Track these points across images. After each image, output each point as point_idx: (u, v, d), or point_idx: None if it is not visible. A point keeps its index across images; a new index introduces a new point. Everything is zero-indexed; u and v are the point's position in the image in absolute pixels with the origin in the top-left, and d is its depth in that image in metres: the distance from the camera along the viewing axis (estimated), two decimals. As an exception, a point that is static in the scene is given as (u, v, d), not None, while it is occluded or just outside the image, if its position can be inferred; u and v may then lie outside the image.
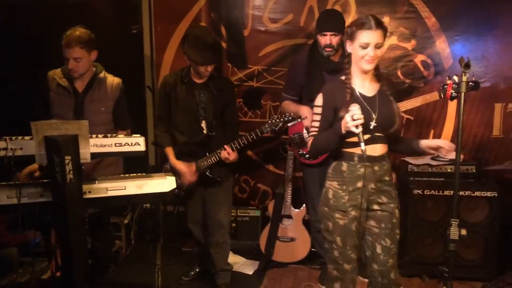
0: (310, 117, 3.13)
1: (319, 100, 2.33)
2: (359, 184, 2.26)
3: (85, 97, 2.83)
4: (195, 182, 3.07)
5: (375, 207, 2.31)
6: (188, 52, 2.85)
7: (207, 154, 3.03)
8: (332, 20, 3.06)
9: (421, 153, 2.45)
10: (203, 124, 3.02)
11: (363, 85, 2.31)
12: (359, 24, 2.20)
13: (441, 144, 2.32)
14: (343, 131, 2.15)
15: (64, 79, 2.82)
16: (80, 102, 2.82)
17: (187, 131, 3.06)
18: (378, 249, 2.31)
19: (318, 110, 2.33)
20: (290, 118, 2.86)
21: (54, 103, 2.82)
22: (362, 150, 2.10)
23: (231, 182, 3.27)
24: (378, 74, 2.36)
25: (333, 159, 2.37)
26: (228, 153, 2.92)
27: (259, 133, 2.89)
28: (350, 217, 2.27)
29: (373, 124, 2.24)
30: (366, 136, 2.19)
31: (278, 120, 2.86)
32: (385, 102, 2.31)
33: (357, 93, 2.28)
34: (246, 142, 2.92)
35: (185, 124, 3.05)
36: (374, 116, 2.25)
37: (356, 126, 2.09)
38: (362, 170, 2.24)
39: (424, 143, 2.38)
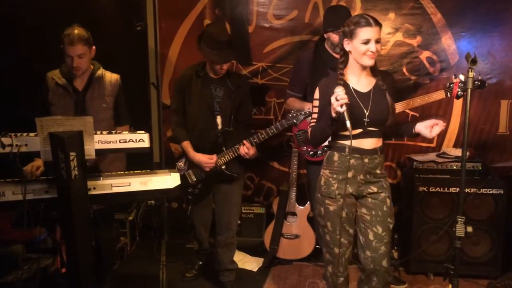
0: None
1: (316, 93, 2.46)
2: (349, 175, 2.39)
3: (86, 95, 2.84)
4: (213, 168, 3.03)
5: (366, 196, 2.43)
6: (203, 50, 2.88)
7: (224, 149, 3.01)
8: (345, 16, 3.04)
9: (416, 136, 2.48)
10: (218, 120, 3.01)
11: (359, 81, 2.41)
12: (357, 22, 2.29)
13: (435, 121, 2.37)
14: (333, 114, 2.23)
15: (63, 79, 2.83)
16: (81, 101, 2.83)
17: (201, 126, 3.04)
18: (370, 236, 2.43)
19: (316, 103, 2.46)
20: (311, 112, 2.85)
21: (54, 104, 2.82)
22: (347, 128, 2.18)
23: (242, 183, 3.26)
24: (375, 69, 2.42)
25: (327, 149, 2.50)
26: (247, 148, 2.91)
27: (280, 127, 2.88)
28: (339, 204, 2.39)
29: (366, 119, 2.34)
30: (358, 131, 2.35)
31: (299, 114, 2.84)
32: (379, 97, 2.39)
33: (351, 89, 2.37)
34: (266, 136, 2.91)
35: (199, 119, 3.04)
36: (366, 112, 2.34)
37: (341, 106, 2.18)
38: (352, 161, 2.37)
39: (419, 125, 2.41)
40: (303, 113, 2.86)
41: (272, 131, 2.89)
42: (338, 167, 2.40)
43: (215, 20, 3.89)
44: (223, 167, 3.03)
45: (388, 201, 2.44)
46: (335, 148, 2.43)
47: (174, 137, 3.19)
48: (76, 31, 2.72)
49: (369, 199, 2.43)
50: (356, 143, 2.36)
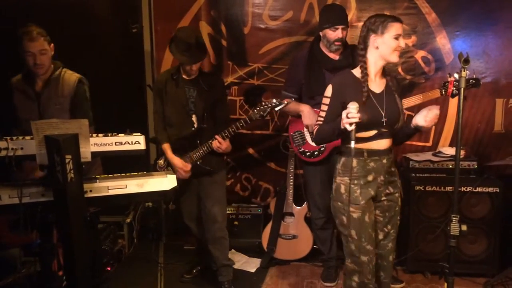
0: (309, 114, 3.13)
1: (328, 91, 2.39)
2: (370, 178, 2.37)
3: (42, 96, 2.77)
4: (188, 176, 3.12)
5: (383, 198, 2.42)
6: (173, 53, 3.00)
7: (199, 144, 3.07)
8: (341, 14, 3.07)
9: (416, 130, 2.40)
10: (194, 118, 3.10)
11: (374, 81, 2.37)
12: (385, 19, 2.27)
13: (427, 108, 2.32)
14: (342, 127, 2.19)
15: (22, 82, 2.78)
16: (39, 101, 2.78)
17: (178, 125, 3.13)
18: (380, 236, 2.47)
19: (326, 101, 2.39)
20: (278, 103, 2.84)
21: (18, 107, 2.79)
22: (351, 148, 2.14)
23: (223, 176, 3.30)
24: (385, 70, 2.41)
25: (341, 155, 2.44)
26: (219, 142, 2.97)
27: (248, 120, 2.91)
28: (363, 210, 2.35)
29: (384, 120, 2.31)
30: (373, 132, 2.33)
31: (266, 106, 2.87)
32: (390, 97, 2.37)
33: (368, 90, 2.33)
34: (236, 129, 2.95)
35: (175, 118, 3.13)
36: (382, 112, 2.32)
37: (350, 124, 2.13)
38: (371, 164, 2.34)
39: (415, 119, 2.35)
40: (269, 105, 2.84)
41: (241, 124, 2.93)
42: (357, 173, 2.35)
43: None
44: (199, 161, 3.09)
45: (399, 200, 2.47)
46: (351, 154, 2.30)
47: (156, 139, 3.28)
48: (34, 28, 2.66)
49: (385, 202, 2.43)
50: (373, 145, 2.34)
